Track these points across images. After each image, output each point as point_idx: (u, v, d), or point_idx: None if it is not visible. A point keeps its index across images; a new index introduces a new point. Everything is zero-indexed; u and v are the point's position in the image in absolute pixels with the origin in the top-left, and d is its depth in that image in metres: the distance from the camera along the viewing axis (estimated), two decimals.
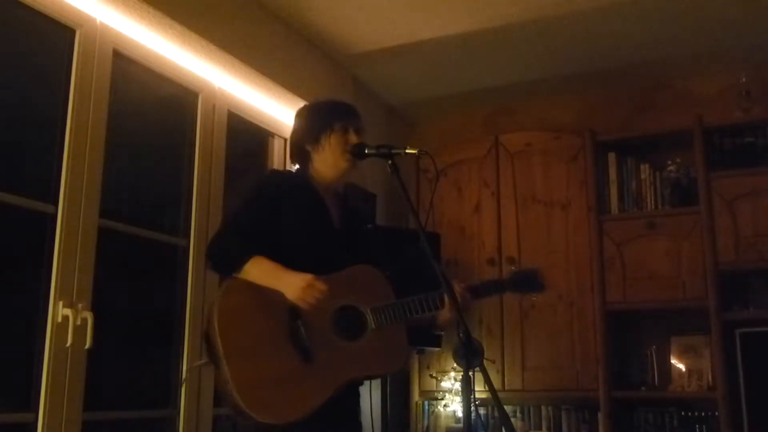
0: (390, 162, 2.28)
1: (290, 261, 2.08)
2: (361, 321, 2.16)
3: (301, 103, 3.85)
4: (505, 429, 1.98)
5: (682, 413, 3.84)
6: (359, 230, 2.45)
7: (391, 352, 2.21)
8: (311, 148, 2.33)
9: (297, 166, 2.40)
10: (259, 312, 2.05)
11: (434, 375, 4.24)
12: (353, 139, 2.32)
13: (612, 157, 4.17)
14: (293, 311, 2.06)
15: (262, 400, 1.95)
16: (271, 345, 2.03)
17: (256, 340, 2.02)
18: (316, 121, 2.34)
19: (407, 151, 2.30)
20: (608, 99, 4.58)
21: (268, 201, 2.21)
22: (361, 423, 2.33)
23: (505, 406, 3.80)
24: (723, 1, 3.58)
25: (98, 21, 2.89)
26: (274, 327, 2.04)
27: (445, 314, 2.23)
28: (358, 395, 2.30)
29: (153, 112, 3.27)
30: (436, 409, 4.25)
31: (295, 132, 2.41)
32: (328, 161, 2.31)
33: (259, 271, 2.06)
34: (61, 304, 2.57)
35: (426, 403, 4.32)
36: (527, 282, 2.38)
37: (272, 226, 2.17)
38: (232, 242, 2.11)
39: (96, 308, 2.66)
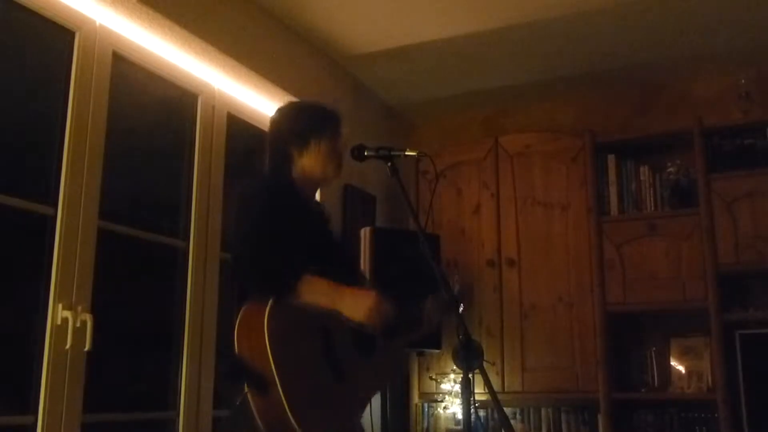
0: (389, 164, 2.29)
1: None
2: (371, 337, 2.16)
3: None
4: (505, 431, 1.98)
5: (682, 415, 3.84)
6: (338, 237, 2.43)
7: (395, 364, 2.29)
8: (297, 152, 2.26)
9: (272, 169, 2.29)
10: (301, 331, 1.97)
11: (434, 377, 4.23)
12: (342, 146, 2.31)
13: (612, 158, 4.17)
14: (326, 329, 2.02)
15: (313, 421, 1.88)
16: (313, 365, 1.97)
17: (302, 360, 1.94)
18: (305, 123, 2.29)
19: (407, 153, 2.30)
20: (608, 101, 4.59)
21: (283, 213, 2.09)
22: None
23: (505, 408, 3.79)
24: (722, 3, 3.58)
25: (97, 23, 2.89)
26: (312, 347, 1.98)
27: (425, 328, 2.31)
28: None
29: (152, 114, 3.26)
30: (436, 411, 4.25)
31: (277, 132, 2.31)
32: (316, 167, 2.27)
33: (316, 289, 1.96)
34: (60, 306, 2.57)
35: (426, 405, 4.32)
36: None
37: (299, 239, 2.05)
38: (277, 259, 1.93)
39: (95, 310, 2.66)
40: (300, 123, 2.29)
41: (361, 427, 2.25)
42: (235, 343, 1.90)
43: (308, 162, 2.27)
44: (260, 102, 3.82)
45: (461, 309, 2.38)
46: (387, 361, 2.22)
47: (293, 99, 3.77)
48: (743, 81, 4.04)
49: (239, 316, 1.92)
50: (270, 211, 2.07)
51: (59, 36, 2.77)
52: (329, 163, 2.28)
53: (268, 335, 1.83)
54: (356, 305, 1.97)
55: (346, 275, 2.14)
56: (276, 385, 1.82)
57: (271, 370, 1.82)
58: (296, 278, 1.93)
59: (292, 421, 1.81)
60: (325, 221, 2.36)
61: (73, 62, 2.78)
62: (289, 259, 1.94)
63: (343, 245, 2.41)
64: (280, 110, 2.37)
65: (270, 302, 1.88)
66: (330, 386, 1.99)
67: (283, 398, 1.81)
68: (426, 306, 2.30)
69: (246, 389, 1.88)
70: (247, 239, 2.02)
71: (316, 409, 1.91)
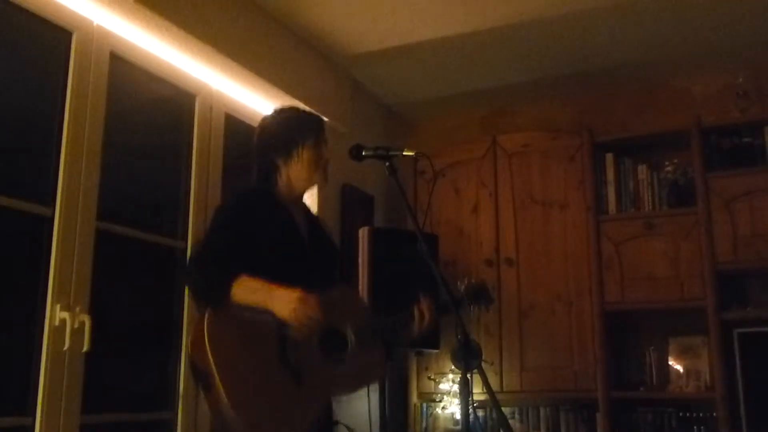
0: (387, 163, 2.29)
1: (264, 273, 2.05)
2: (342, 339, 2.16)
3: (299, 105, 3.86)
4: (504, 430, 1.98)
5: (681, 413, 3.84)
6: (323, 239, 2.42)
7: (372, 367, 2.25)
8: (281, 161, 2.31)
9: (258, 180, 2.35)
10: (248, 334, 2.02)
11: (432, 377, 4.23)
12: (326, 153, 2.33)
13: (610, 157, 4.17)
14: (281, 331, 2.03)
15: (260, 422, 1.94)
16: (263, 366, 2.00)
17: (248, 362, 1.99)
18: (287, 133, 2.32)
19: (405, 152, 2.31)
20: (606, 99, 4.58)
21: (240, 225, 2.15)
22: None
23: (504, 408, 3.81)
24: (720, 2, 3.58)
25: (95, 23, 2.88)
26: (264, 348, 2.02)
27: (414, 330, 2.29)
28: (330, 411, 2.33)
29: (150, 114, 3.26)
30: (435, 411, 4.24)
31: (261, 143, 2.36)
32: (301, 175, 2.31)
33: (248, 290, 2.01)
34: (58, 307, 2.57)
35: (424, 405, 4.32)
36: (479, 295, 2.44)
37: (248, 249, 2.11)
38: (213, 270, 2.03)
39: (93, 311, 2.66)
40: (282, 132, 2.32)
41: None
42: (189, 347, 2.01)
43: (293, 171, 2.31)
44: (258, 102, 3.82)
45: (479, 305, 2.39)
46: (366, 361, 2.20)
47: (291, 99, 3.80)
48: (741, 80, 4.04)
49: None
50: (226, 225, 2.15)
51: (56, 36, 2.76)
52: (314, 170, 2.32)
53: (208, 338, 1.91)
54: (282, 304, 1.99)
55: (321, 285, 2.14)
56: (219, 385, 1.89)
57: (213, 371, 1.89)
58: (224, 288, 1.98)
59: (235, 417, 1.88)
60: (314, 225, 2.38)
61: (70, 63, 2.78)
62: (221, 272, 2.01)
63: (326, 255, 2.38)
64: (263, 120, 2.42)
65: (207, 312, 1.96)
66: (284, 389, 2.00)
67: (225, 398, 1.88)
68: (417, 306, 2.30)
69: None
70: (192, 253, 2.18)
71: (263, 409, 1.95)
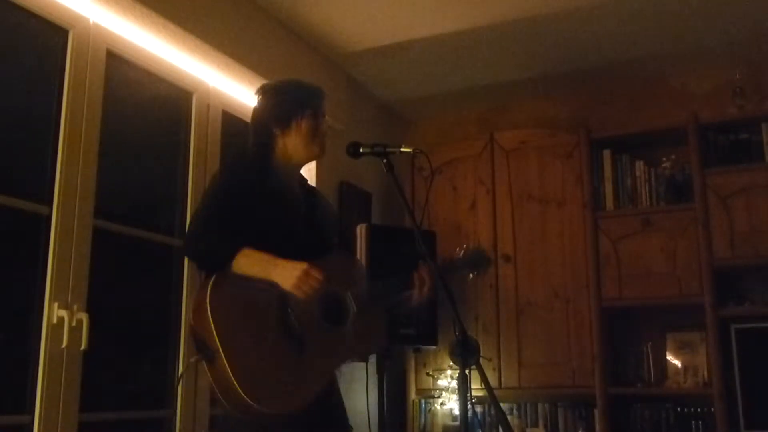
0: (385, 160, 2.29)
1: (259, 243, 2.05)
2: (343, 306, 2.17)
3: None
4: (502, 427, 1.99)
5: (678, 409, 3.85)
6: (320, 208, 2.40)
7: (373, 334, 2.25)
8: (279, 131, 2.29)
9: (254, 149, 2.32)
10: (250, 303, 2.02)
11: (431, 373, 4.24)
12: (324, 126, 2.32)
13: (607, 154, 4.17)
14: (282, 300, 2.04)
15: (263, 390, 1.94)
16: (265, 335, 2.00)
17: (250, 331, 1.99)
18: (286, 103, 2.30)
19: (402, 149, 2.30)
20: (603, 96, 4.59)
21: (238, 194, 2.14)
22: (345, 411, 2.38)
23: (502, 404, 3.80)
24: None
25: (91, 21, 2.88)
26: (265, 317, 2.02)
27: (412, 294, 2.30)
28: (335, 383, 2.32)
29: (147, 112, 3.26)
30: (433, 408, 4.25)
31: (259, 112, 2.33)
32: (299, 146, 2.30)
33: (250, 261, 2.02)
34: (56, 305, 2.57)
35: (423, 401, 4.33)
36: (477, 260, 2.46)
37: (247, 218, 2.11)
38: (214, 236, 2.04)
39: (91, 309, 2.65)
40: (280, 102, 2.30)
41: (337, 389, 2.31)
42: (191, 316, 2.01)
43: (290, 142, 2.29)
44: (255, 99, 3.81)
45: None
46: (367, 328, 2.21)
47: None
48: (738, 76, 4.04)
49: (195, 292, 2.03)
50: (224, 193, 2.14)
51: (53, 34, 2.76)
52: (311, 142, 2.30)
53: (210, 309, 1.92)
54: (285, 275, 2.00)
55: (318, 253, 2.16)
56: (221, 355, 1.89)
57: (215, 341, 1.90)
58: (227, 255, 1.99)
59: (238, 389, 1.88)
60: (300, 201, 2.33)
61: (67, 60, 2.77)
62: (223, 238, 2.01)
63: (323, 224, 2.36)
64: (262, 89, 2.38)
65: (213, 277, 1.98)
66: (287, 357, 2.01)
67: (227, 367, 1.89)
68: (417, 271, 2.30)
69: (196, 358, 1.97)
70: (192, 221, 2.18)
71: (266, 377, 1.96)
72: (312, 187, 2.50)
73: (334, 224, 2.47)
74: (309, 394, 2.02)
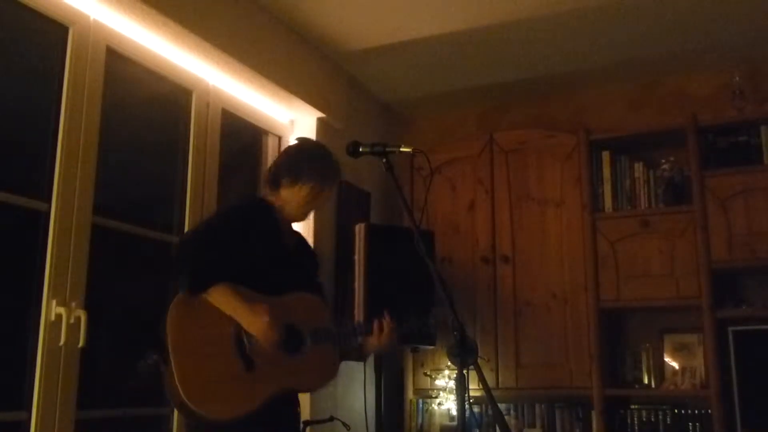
0: (384, 160, 2.30)
1: (249, 279, 2.28)
2: (300, 339, 2.35)
3: (296, 101, 3.88)
4: (499, 427, 1.99)
5: (675, 411, 3.86)
6: (305, 251, 2.67)
7: (323, 369, 2.44)
8: (285, 184, 2.48)
9: (264, 185, 2.56)
10: (209, 319, 2.23)
11: (428, 373, 4.24)
12: (321, 202, 2.53)
13: (606, 155, 4.17)
14: (239, 325, 2.25)
15: (202, 395, 2.14)
16: (216, 349, 2.22)
17: (203, 341, 2.21)
18: (302, 168, 2.48)
19: (402, 149, 2.31)
20: (602, 97, 4.59)
21: (238, 228, 2.36)
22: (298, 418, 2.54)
23: (499, 404, 3.80)
24: (717, 0, 3.58)
25: (91, 18, 2.88)
26: (221, 335, 2.23)
27: (372, 341, 2.53)
28: (296, 405, 2.50)
29: (146, 109, 3.26)
30: (431, 407, 4.25)
31: (280, 162, 2.55)
32: (291, 204, 2.49)
33: (223, 298, 2.23)
34: (54, 302, 2.57)
35: (420, 401, 4.32)
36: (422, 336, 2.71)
37: (238, 251, 2.30)
38: (205, 264, 2.24)
39: (89, 306, 2.65)
40: (299, 163, 2.50)
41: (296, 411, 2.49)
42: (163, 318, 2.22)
43: (288, 197, 2.49)
44: (255, 98, 3.82)
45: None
46: (319, 363, 2.41)
47: (288, 95, 3.80)
48: (737, 78, 4.04)
49: None
50: (228, 224, 2.38)
51: (53, 31, 2.76)
52: (299, 207, 2.50)
53: (172, 311, 2.19)
54: (250, 324, 2.22)
55: (296, 289, 2.44)
56: (170, 359, 2.13)
57: (168, 345, 2.15)
58: (208, 282, 2.22)
59: (180, 389, 2.10)
60: (290, 249, 2.56)
61: (66, 57, 2.77)
62: (213, 266, 2.23)
63: (305, 265, 2.63)
64: (299, 141, 2.66)
65: (180, 294, 2.22)
66: (234, 370, 2.21)
67: (174, 368, 2.12)
68: (378, 321, 2.54)
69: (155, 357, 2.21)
70: (193, 236, 2.44)
71: (208, 386, 2.16)
72: (298, 233, 2.70)
73: (315, 265, 2.70)
74: (244, 407, 2.18)
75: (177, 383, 2.11)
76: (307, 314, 2.41)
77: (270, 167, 2.58)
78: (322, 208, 2.59)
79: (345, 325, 2.52)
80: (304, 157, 2.51)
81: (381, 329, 2.52)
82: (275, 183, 2.50)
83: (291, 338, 2.31)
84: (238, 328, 2.24)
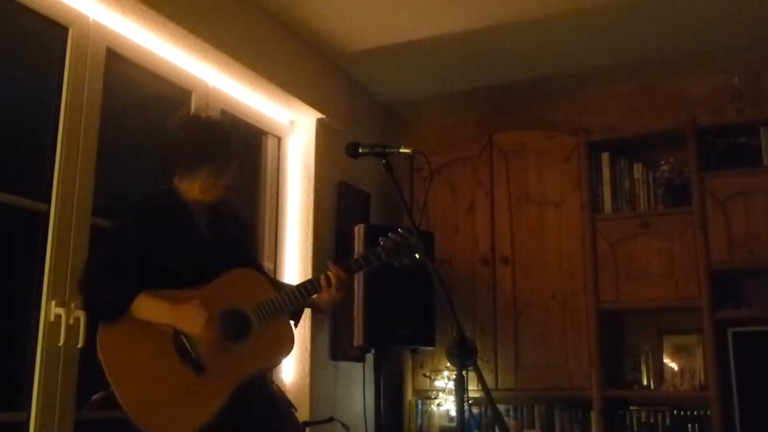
0: (384, 161, 2.29)
1: (168, 277, 2.15)
2: (245, 320, 2.22)
3: (296, 102, 3.88)
4: (499, 428, 1.99)
5: (675, 412, 3.86)
6: (229, 234, 2.42)
7: (280, 342, 2.29)
8: (179, 174, 2.32)
9: (161, 176, 2.38)
10: (143, 336, 2.11)
11: (428, 374, 4.24)
12: (219, 186, 2.31)
13: (605, 156, 4.17)
14: (176, 331, 2.13)
15: (154, 418, 2.05)
16: (158, 364, 2.11)
17: (142, 362, 2.10)
18: (189, 157, 2.30)
19: (401, 150, 2.31)
20: (602, 99, 4.59)
21: (133, 231, 2.22)
22: (277, 412, 2.45)
23: (499, 405, 3.80)
24: (717, 2, 3.59)
25: (91, 19, 2.88)
26: (160, 348, 2.12)
27: (322, 296, 2.34)
28: (265, 385, 2.44)
29: (146, 110, 3.26)
30: (430, 408, 4.25)
31: (170, 153, 2.35)
32: (194, 191, 2.31)
33: (148, 309, 2.12)
34: (53, 303, 2.57)
35: (419, 402, 4.32)
36: (403, 248, 2.40)
37: (143, 255, 2.17)
38: (111, 285, 2.12)
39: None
40: (187, 149, 2.31)
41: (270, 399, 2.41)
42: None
43: (189, 187, 2.31)
44: (254, 99, 3.82)
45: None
46: (275, 336, 2.26)
47: (287, 96, 3.80)
48: (737, 80, 4.04)
49: None
50: (126, 232, 2.23)
51: (53, 32, 2.76)
52: (205, 191, 2.31)
53: (101, 342, 2.07)
54: (184, 326, 2.11)
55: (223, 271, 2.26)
56: (113, 387, 2.03)
57: (107, 373, 2.04)
58: (124, 306, 2.10)
59: (132, 419, 2.01)
60: (206, 233, 2.35)
61: (66, 58, 2.77)
62: (124, 284, 2.11)
63: (230, 244, 2.39)
64: (176, 123, 2.39)
65: (105, 323, 2.10)
66: (183, 380, 2.10)
67: (120, 399, 2.03)
68: (325, 273, 2.34)
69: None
70: (87, 266, 2.25)
71: (158, 407, 2.06)
72: (225, 207, 2.46)
73: (243, 238, 2.50)
74: (205, 414, 2.08)
75: (127, 413, 2.02)
76: (245, 292, 2.26)
77: (161, 154, 2.41)
78: (231, 184, 2.35)
79: (292, 290, 2.30)
80: (190, 142, 2.31)
81: (329, 282, 2.33)
82: (172, 171, 2.33)
83: (235, 322, 2.19)
84: (176, 335, 2.13)
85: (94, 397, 2.15)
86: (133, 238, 2.20)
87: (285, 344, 2.30)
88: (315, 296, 2.36)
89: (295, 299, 2.29)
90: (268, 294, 2.27)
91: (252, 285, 2.30)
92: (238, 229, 2.48)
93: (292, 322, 2.41)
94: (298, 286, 2.32)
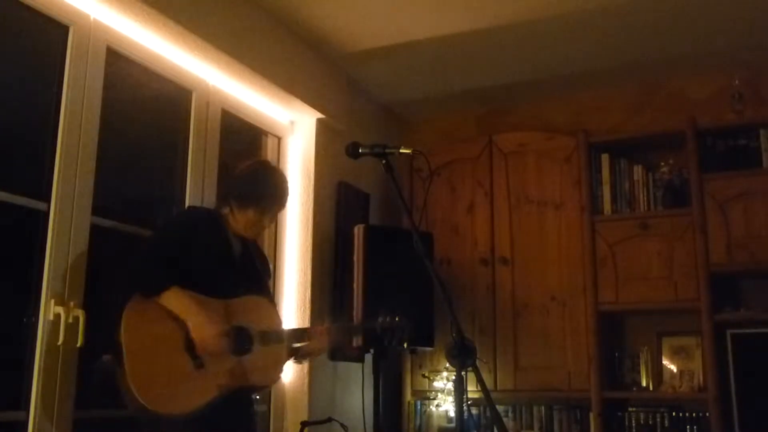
0: (384, 161, 2.30)
1: (197, 284, 2.40)
2: (250, 340, 2.46)
3: (296, 102, 3.88)
4: (497, 429, 1.99)
5: (674, 414, 3.86)
6: (254, 260, 2.73)
7: (271, 369, 2.55)
8: (233, 204, 2.63)
9: (216, 200, 2.77)
10: (161, 322, 2.33)
11: (427, 375, 4.24)
12: (263, 225, 2.67)
13: (605, 158, 4.18)
14: (188, 329, 2.36)
15: (154, 392, 2.24)
16: (167, 348, 2.33)
17: (155, 341, 2.31)
18: (249, 192, 2.62)
19: (401, 150, 2.31)
20: (602, 100, 4.59)
21: (184, 235, 2.51)
22: (254, 418, 2.71)
23: (498, 406, 3.81)
24: (717, 3, 3.59)
25: (92, 18, 2.88)
26: (172, 334, 2.33)
27: (308, 346, 2.71)
28: (250, 404, 2.66)
29: (146, 109, 3.26)
30: (429, 409, 4.25)
31: (231, 184, 2.71)
32: (238, 224, 2.63)
33: (174, 300, 2.34)
34: (53, 302, 2.56)
35: (418, 402, 4.32)
36: (394, 333, 2.77)
37: (185, 257, 2.43)
38: (156, 268, 2.37)
39: (88, 306, 2.65)
40: (246, 187, 2.65)
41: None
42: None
43: (235, 217, 2.63)
44: (255, 99, 3.82)
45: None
46: (267, 363, 2.52)
47: (288, 95, 3.80)
48: (737, 82, 4.05)
49: None
50: (178, 233, 2.53)
51: (53, 30, 2.76)
52: (247, 228, 2.64)
53: (126, 315, 2.27)
54: (196, 329, 2.32)
55: (245, 294, 2.56)
56: (125, 359, 2.22)
57: (122, 345, 2.24)
58: (160, 286, 2.34)
59: (134, 389, 2.20)
60: (238, 255, 2.66)
61: (66, 57, 2.77)
62: (164, 271, 2.36)
63: (253, 273, 2.72)
64: (243, 163, 2.74)
65: (134, 298, 2.31)
66: (184, 368, 2.32)
67: (127, 371, 2.21)
68: (316, 328, 2.74)
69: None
70: (147, 244, 2.55)
71: (159, 384, 2.26)
72: (254, 243, 2.80)
73: (266, 271, 2.83)
74: (194, 403, 2.30)
75: (130, 382, 2.20)
76: (258, 316, 2.52)
77: (224, 183, 2.75)
78: (269, 226, 2.76)
79: (293, 331, 2.69)
80: (250, 185, 2.64)
81: (310, 337, 2.71)
82: (225, 202, 2.66)
83: (241, 339, 2.43)
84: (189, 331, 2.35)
85: (98, 362, 2.35)
86: (176, 240, 2.48)
87: (272, 372, 2.57)
88: (303, 344, 2.69)
89: (290, 338, 2.61)
90: (274, 325, 2.58)
91: (266, 313, 2.58)
92: (262, 266, 2.78)
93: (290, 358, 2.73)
94: (300, 330, 2.69)
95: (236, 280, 2.57)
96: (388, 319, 2.77)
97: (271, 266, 2.87)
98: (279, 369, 2.58)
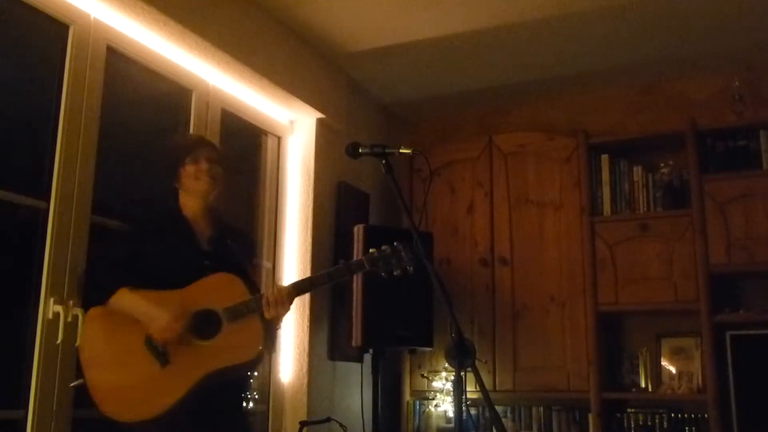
0: (384, 161, 2.29)
1: (161, 279, 2.34)
2: (216, 320, 2.34)
3: (296, 102, 3.88)
4: (496, 429, 1.99)
5: (672, 415, 3.86)
6: (228, 248, 2.58)
7: (247, 343, 2.38)
8: (177, 185, 2.54)
9: (168, 199, 2.63)
10: (118, 328, 2.31)
11: (426, 375, 4.24)
12: (204, 166, 2.51)
13: (605, 158, 4.18)
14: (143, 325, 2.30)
15: (117, 404, 2.23)
16: (128, 356, 2.28)
17: (114, 352, 2.29)
18: (169, 162, 2.55)
19: (401, 150, 2.31)
20: (602, 101, 4.59)
21: (132, 236, 2.54)
22: (243, 415, 2.64)
23: (497, 407, 3.81)
24: (717, 4, 3.59)
25: (92, 17, 2.88)
26: (131, 339, 2.28)
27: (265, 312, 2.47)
28: (235, 389, 2.53)
29: (146, 109, 3.26)
30: (427, 409, 4.25)
31: (164, 160, 2.61)
32: (189, 190, 2.52)
33: (124, 303, 2.30)
34: (52, 300, 2.57)
35: (417, 402, 4.32)
36: (391, 260, 2.42)
37: (137, 257, 2.39)
38: (102, 274, 2.35)
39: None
40: (165, 163, 2.58)
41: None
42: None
43: (184, 189, 2.54)
44: (255, 98, 3.82)
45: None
46: (243, 337, 2.36)
47: (288, 95, 3.81)
48: (737, 83, 4.05)
49: None
50: (128, 235, 2.60)
51: (53, 29, 2.76)
52: (196, 182, 2.51)
53: (83, 331, 2.31)
54: (150, 321, 2.26)
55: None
56: (84, 372, 2.25)
57: (81, 358, 2.27)
58: (105, 291, 2.30)
59: (97, 403, 2.21)
60: (206, 250, 2.53)
61: (67, 56, 2.77)
62: (107, 276, 2.34)
63: (226, 257, 2.56)
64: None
65: (90, 310, 2.33)
66: (145, 371, 2.26)
67: (88, 384, 2.23)
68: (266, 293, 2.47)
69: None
70: (94, 260, 2.54)
71: (122, 394, 2.24)
72: (225, 225, 2.66)
73: (245, 250, 2.71)
74: (163, 403, 2.23)
75: (93, 396, 2.22)
76: (221, 294, 2.39)
77: (161, 164, 2.66)
78: (213, 172, 2.54)
79: (252, 299, 2.42)
80: (166, 157, 2.59)
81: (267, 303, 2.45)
82: (172, 190, 2.58)
83: (206, 322, 2.32)
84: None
85: (75, 383, 2.36)
86: (127, 242, 2.50)
87: (252, 344, 2.40)
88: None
89: (256, 306, 2.38)
90: (243, 297, 2.39)
91: (229, 289, 2.42)
92: (239, 246, 2.62)
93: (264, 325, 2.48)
94: (257, 297, 2.43)
95: (202, 265, 2.45)
96: (382, 248, 2.45)
97: (254, 244, 2.79)
98: (257, 340, 2.39)
